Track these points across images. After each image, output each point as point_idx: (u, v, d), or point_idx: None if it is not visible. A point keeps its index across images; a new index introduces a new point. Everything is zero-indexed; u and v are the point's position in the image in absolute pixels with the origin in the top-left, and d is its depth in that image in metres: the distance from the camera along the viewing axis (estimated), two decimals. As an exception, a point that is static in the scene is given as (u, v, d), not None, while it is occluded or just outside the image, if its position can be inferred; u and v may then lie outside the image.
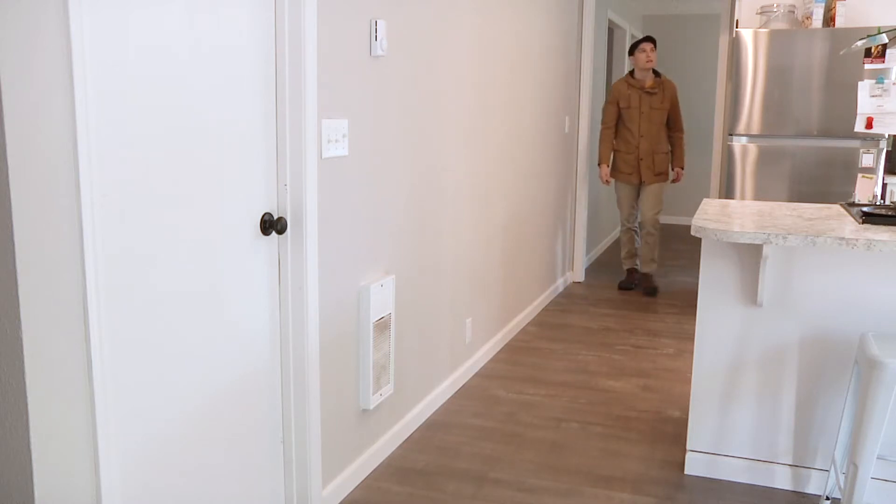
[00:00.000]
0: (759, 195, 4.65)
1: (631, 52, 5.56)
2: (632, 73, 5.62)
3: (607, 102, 5.69)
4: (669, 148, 5.71)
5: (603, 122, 5.71)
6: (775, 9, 4.66)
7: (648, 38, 5.49)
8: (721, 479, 2.90)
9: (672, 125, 5.68)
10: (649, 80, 5.55)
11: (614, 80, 8.96)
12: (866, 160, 4.44)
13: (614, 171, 5.76)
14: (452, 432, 3.29)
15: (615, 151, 5.73)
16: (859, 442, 2.29)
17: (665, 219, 9.19)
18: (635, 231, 5.88)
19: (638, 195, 5.78)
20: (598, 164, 5.76)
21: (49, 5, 1.52)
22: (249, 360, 2.28)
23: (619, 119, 5.65)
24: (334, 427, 2.67)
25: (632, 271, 5.96)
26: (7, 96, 1.45)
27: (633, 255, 5.94)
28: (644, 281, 5.84)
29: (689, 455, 2.94)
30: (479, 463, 3.01)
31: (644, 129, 5.55)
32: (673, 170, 5.75)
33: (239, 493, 2.29)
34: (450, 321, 3.66)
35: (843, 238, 2.41)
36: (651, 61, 5.45)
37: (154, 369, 1.91)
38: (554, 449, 3.14)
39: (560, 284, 5.84)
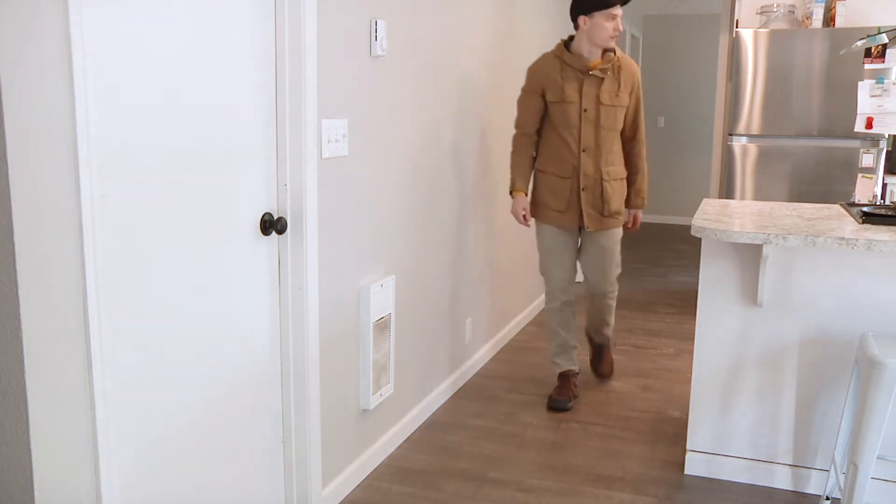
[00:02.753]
0: (759, 195, 4.65)
1: (583, 11, 3.26)
2: (567, 43, 3.38)
3: (524, 92, 3.44)
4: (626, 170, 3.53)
5: (516, 125, 3.47)
6: (775, 9, 4.66)
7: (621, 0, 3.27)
8: (721, 479, 2.90)
9: (628, 131, 3.48)
10: (596, 56, 3.34)
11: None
12: (866, 160, 4.44)
13: (537, 207, 3.50)
14: (452, 432, 3.29)
15: (539, 173, 3.48)
16: (859, 442, 2.28)
17: (665, 219, 9.18)
18: (572, 306, 3.59)
19: (577, 248, 3.56)
20: (511, 192, 3.46)
21: (49, 6, 1.52)
22: (249, 360, 2.28)
23: (547, 120, 3.43)
24: (334, 427, 2.67)
25: (567, 377, 3.60)
26: (7, 96, 1.45)
27: (568, 347, 3.62)
28: (598, 354, 3.84)
29: (689, 455, 2.94)
30: (479, 463, 3.01)
31: (588, 136, 3.33)
32: (629, 208, 3.57)
33: (239, 493, 2.29)
34: (450, 321, 3.66)
35: (843, 238, 2.41)
36: (618, 34, 3.30)
37: (154, 369, 1.91)
38: (554, 449, 3.14)
39: (560, 284, 5.83)
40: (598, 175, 3.38)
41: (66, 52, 1.56)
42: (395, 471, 2.94)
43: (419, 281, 3.28)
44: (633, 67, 3.40)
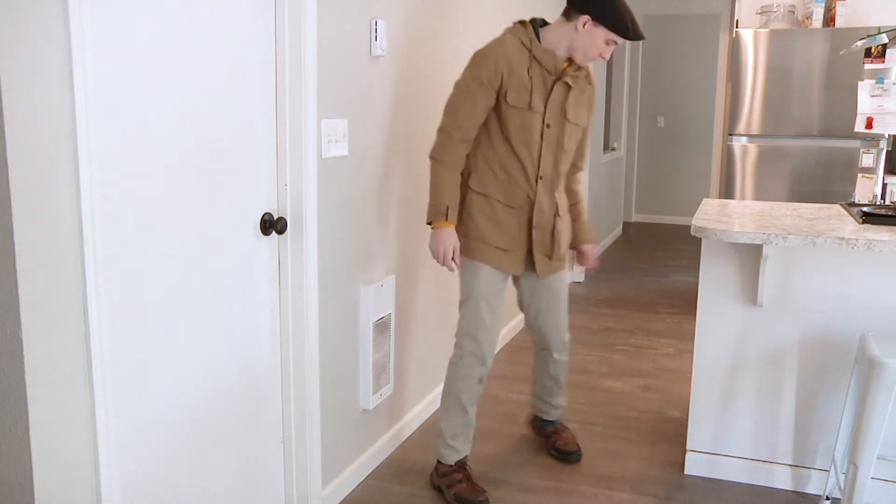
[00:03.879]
0: (759, 195, 4.65)
1: (593, 14, 2.46)
2: (539, 29, 2.58)
3: (473, 80, 2.52)
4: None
5: (450, 125, 2.56)
6: (775, 9, 4.66)
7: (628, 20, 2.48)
8: (721, 479, 2.90)
9: (575, 156, 2.81)
10: (564, 59, 2.58)
11: (614, 82, 8.95)
12: (866, 160, 4.44)
13: (468, 240, 2.65)
14: (452, 432, 3.28)
15: (475, 196, 2.64)
16: (859, 442, 2.28)
17: (665, 219, 9.18)
18: (485, 381, 2.77)
19: (517, 294, 2.91)
20: (431, 222, 2.59)
21: (49, 6, 1.52)
22: (249, 360, 2.28)
23: (495, 127, 2.58)
24: (334, 427, 2.67)
25: (466, 466, 2.78)
26: (7, 96, 1.45)
27: (471, 428, 2.78)
28: (557, 435, 3.07)
29: (689, 455, 2.94)
30: (479, 463, 3.00)
31: (548, 161, 2.62)
32: (580, 245, 2.92)
33: (239, 493, 2.29)
34: (450, 321, 3.66)
35: (843, 238, 2.41)
36: (596, 60, 2.57)
37: (154, 369, 1.91)
38: (554, 449, 3.14)
39: (560, 284, 5.82)
40: (552, 210, 2.68)
41: (66, 52, 1.56)
42: (395, 471, 2.94)
43: (419, 281, 3.28)
44: (593, 80, 2.72)
